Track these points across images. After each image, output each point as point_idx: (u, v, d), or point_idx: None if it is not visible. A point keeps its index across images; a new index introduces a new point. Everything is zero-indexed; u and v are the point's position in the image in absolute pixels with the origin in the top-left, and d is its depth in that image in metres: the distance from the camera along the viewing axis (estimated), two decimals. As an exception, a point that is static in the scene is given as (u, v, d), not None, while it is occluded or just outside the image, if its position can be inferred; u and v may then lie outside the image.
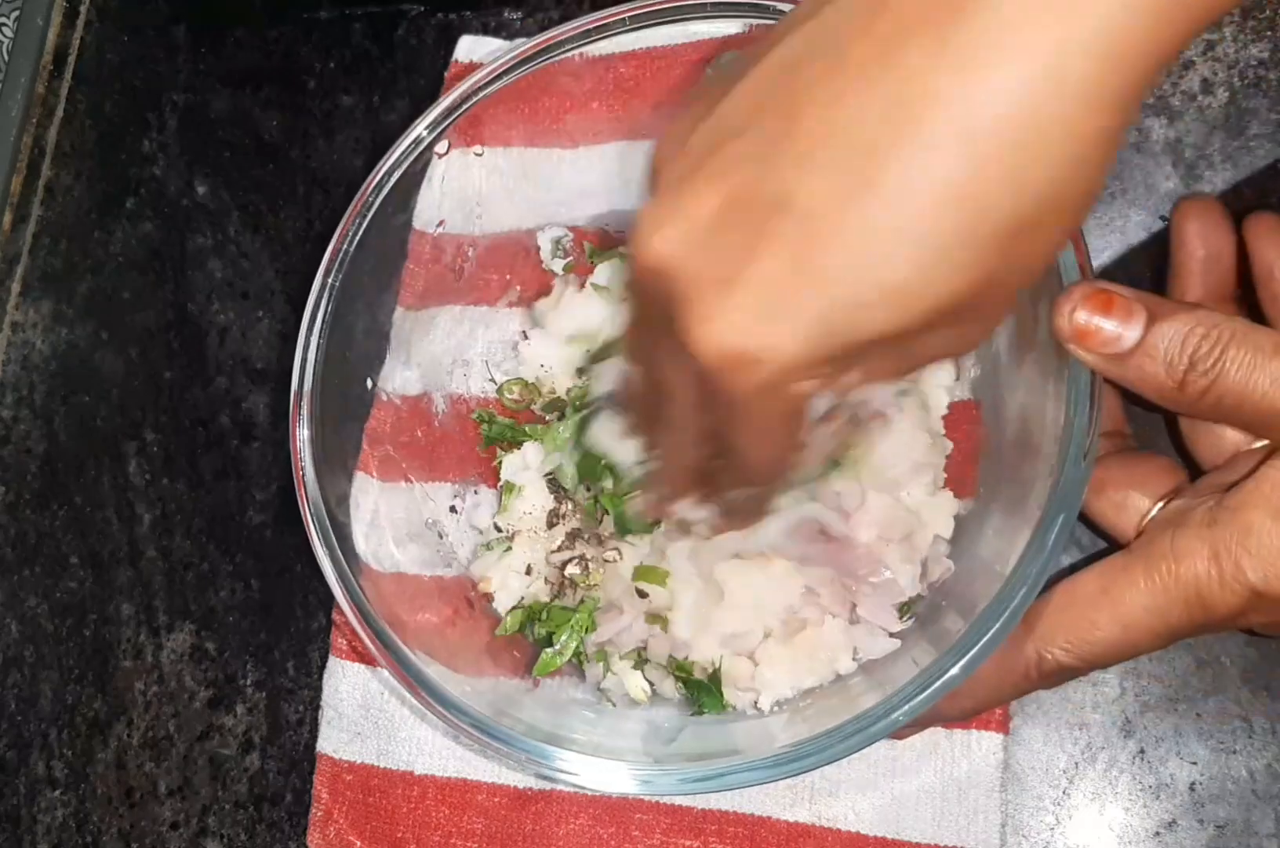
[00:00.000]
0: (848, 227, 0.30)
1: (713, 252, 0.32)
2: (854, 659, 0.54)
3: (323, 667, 0.62)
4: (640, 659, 0.57)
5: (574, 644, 0.57)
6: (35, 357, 0.72)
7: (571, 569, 0.58)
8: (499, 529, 0.60)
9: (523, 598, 0.59)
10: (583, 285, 0.62)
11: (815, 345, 0.32)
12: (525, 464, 0.60)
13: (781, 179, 0.30)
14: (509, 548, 0.59)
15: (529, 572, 0.59)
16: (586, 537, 0.58)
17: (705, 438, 0.41)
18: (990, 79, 0.27)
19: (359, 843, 0.59)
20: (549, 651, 0.57)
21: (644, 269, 0.34)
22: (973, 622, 0.46)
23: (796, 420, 0.37)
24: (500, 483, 0.61)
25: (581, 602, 0.58)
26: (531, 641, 0.59)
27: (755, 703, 0.55)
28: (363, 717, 0.61)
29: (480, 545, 0.60)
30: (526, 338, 0.63)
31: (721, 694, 0.55)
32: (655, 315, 0.35)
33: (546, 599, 0.59)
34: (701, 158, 0.33)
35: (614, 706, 0.57)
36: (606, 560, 0.57)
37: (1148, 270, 0.60)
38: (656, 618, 0.55)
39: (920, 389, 0.57)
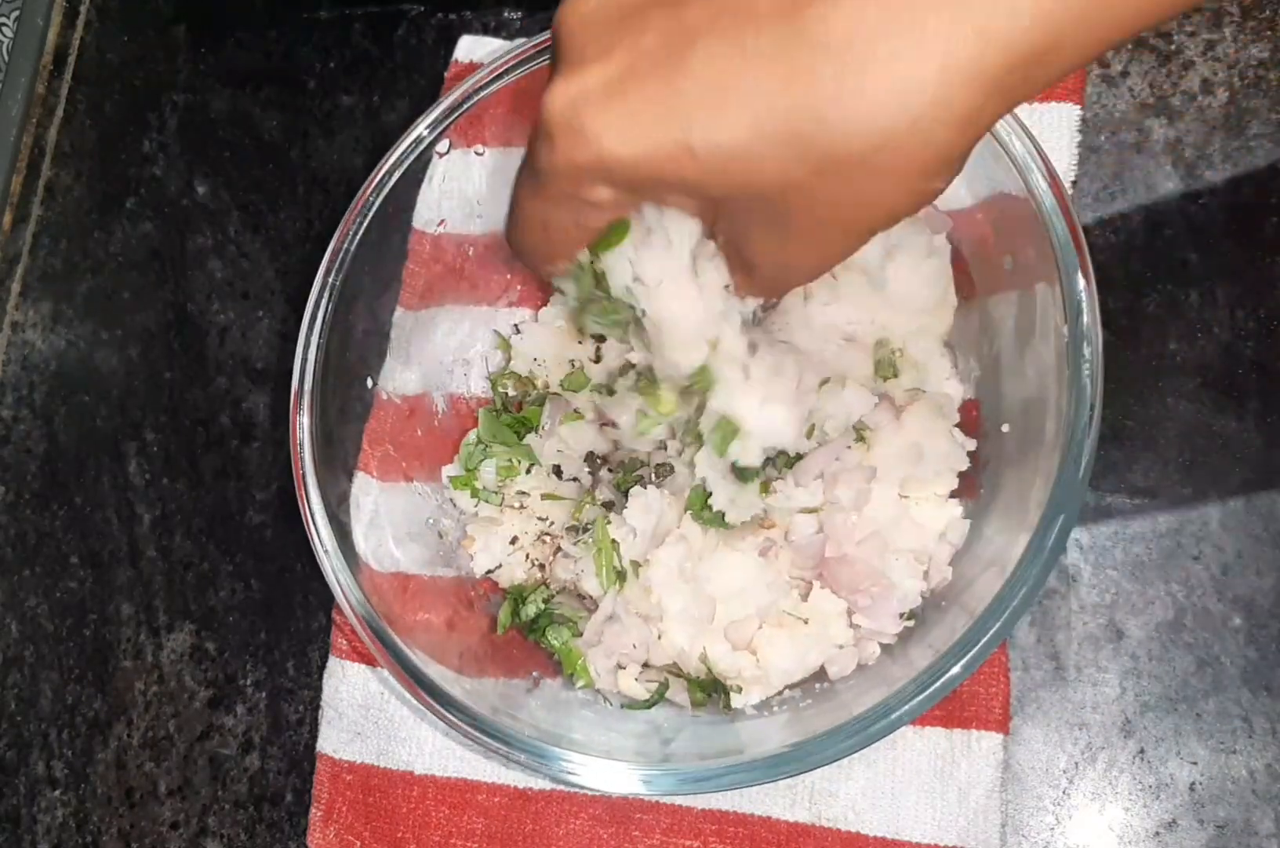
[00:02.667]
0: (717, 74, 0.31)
1: (616, 33, 0.33)
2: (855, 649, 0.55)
3: (323, 667, 0.62)
4: (643, 666, 0.57)
5: (535, 607, 0.58)
6: (35, 357, 0.72)
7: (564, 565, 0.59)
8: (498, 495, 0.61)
9: (500, 565, 0.60)
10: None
11: (641, 153, 0.33)
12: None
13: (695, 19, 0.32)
14: (499, 512, 0.60)
15: (514, 541, 0.60)
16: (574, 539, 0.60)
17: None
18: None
19: (359, 843, 0.59)
20: (521, 609, 0.59)
21: (557, 25, 0.35)
22: (973, 622, 0.46)
23: (575, 215, 0.37)
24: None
25: (548, 588, 0.59)
26: (518, 623, 0.59)
27: (762, 692, 0.55)
28: (363, 717, 0.61)
29: (474, 513, 0.61)
30: (519, 331, 0.63)
31: (727, 691, 0.55)
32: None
33: (524, 577, 0.60)
34: None
35: (610, 705, 0.57)
36: (575, 555, 0.58)
37: (1148, 270, 0.60)
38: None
39: (934, 391, 0.56)
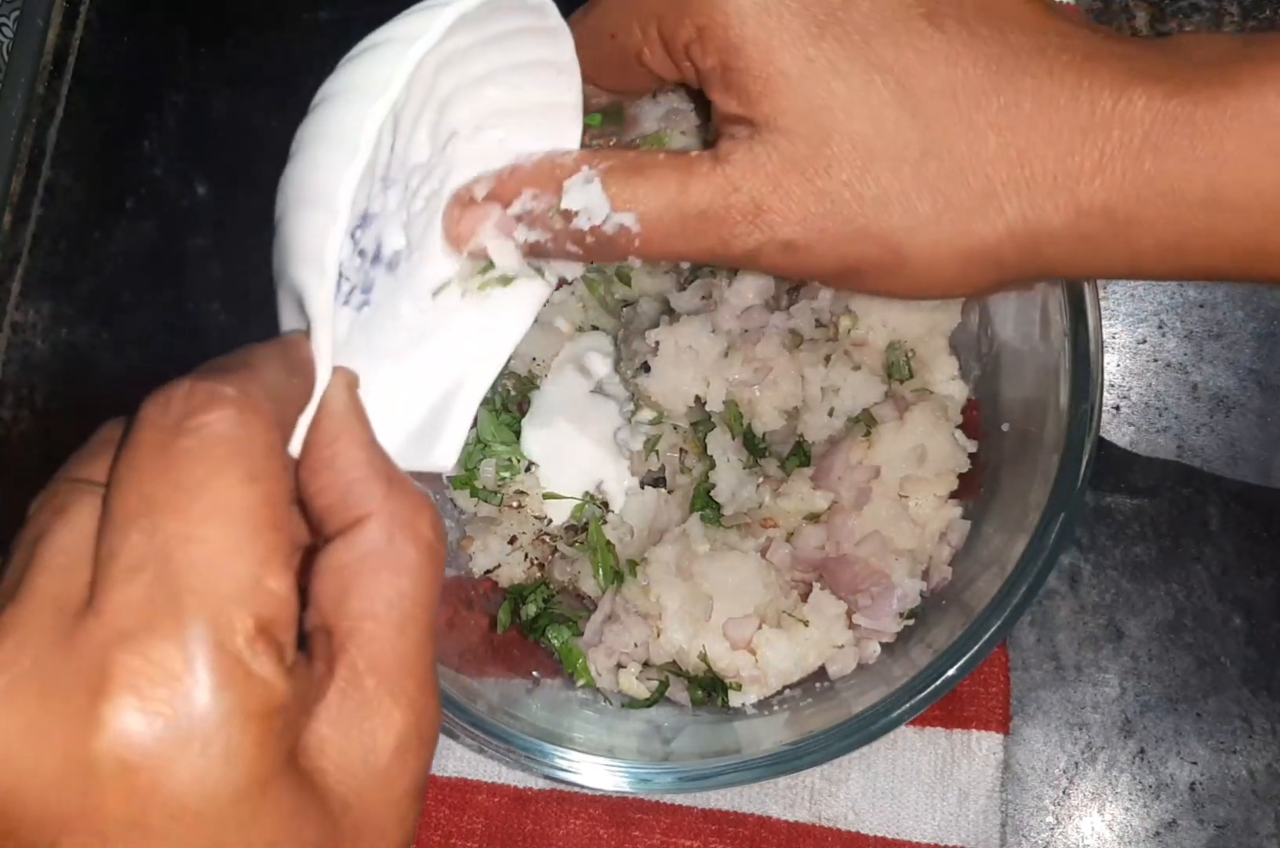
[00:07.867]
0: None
1: None
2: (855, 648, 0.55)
3: (322, 667, 0.62)
4: (643, 665, 0.57)
5: (534, 607, 0.59)
6: (35, 357, 0.72)
7: (561, 565, 0.59)
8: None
9: (499, 565, 0.60)
10: None
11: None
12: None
13: None
14: (498, 512, 0.61)
15: (513, 541, 0.60)
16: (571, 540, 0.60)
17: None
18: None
19: (358, 843, 0.59)
20: (521, 608, 0.59)
21: None
22: (973, 621, 0.46)
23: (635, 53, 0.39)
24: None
25: (548, 588, 0.60)
26: (518, 622, 0.59)
27: (760, 692, 0.55)
28: (362, 717, 0.60)
29: (473, 513, 0.61)
30: None
31: (725, 688, 0.55)
32: None
33: (523, 576, 0.60)
34: None
35: (611, 704, 0.57)
36: (570, 555, 0.59)
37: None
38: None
39: (939, 393, 0.56)
